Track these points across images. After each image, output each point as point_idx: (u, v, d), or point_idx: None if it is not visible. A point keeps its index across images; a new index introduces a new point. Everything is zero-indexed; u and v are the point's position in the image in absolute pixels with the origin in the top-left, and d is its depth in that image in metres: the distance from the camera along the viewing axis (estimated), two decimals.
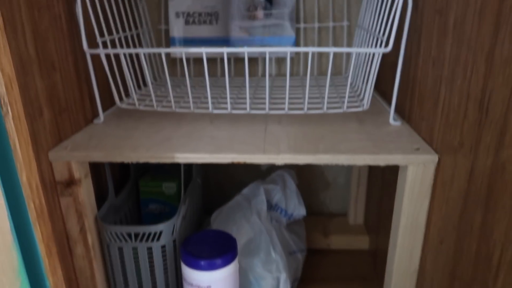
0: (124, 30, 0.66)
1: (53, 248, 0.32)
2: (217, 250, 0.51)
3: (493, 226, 0.34)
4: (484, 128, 0.35)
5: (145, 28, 0.75)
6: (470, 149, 0.38)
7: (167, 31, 0.79)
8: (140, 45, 0.74)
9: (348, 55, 0.79)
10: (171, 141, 0.52)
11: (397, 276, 0.52)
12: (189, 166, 0.71)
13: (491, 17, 0.35)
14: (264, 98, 0.60)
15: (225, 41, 0.77)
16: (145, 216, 0.73)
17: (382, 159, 0.46)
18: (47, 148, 0.48)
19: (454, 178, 0.42)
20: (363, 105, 0.56)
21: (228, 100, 0.55)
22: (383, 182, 0.70)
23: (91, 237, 0.54)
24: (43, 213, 0.29)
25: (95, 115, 0.60)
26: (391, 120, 0.56)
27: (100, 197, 0.59)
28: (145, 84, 0.73)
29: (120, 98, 0.60)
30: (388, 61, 0.62)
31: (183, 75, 0.81)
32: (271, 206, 0.70)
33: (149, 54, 0.75)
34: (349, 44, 0.79)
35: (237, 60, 0.81)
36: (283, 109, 0.56)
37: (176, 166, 0.69)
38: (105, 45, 0.58)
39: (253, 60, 0.81)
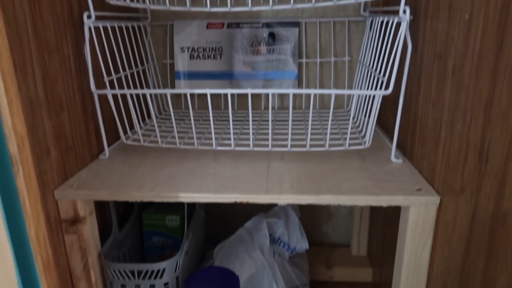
0: (130, 67, 0.67)
1: None
2: None
3: (496, 276, 0.34)
4: (484, 177, 0.36)
5: (150, 63, 0.77)
6: (471, 195, 0.38)
7: (172, 65, 0.80)
8: (146, 80, 0.75)
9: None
10: (174, 179, 0.52)
11: None
12: None
13: (488, 70, 0.35)
14: (267, 134, 0.61)
15: (229, 75, 0.78)
16: (147, 249, 0.73)
17: (384, 200, 0.47)
18: (53, 186, 0.49)
19: (456, 220, 0.42)
20: (364, 142, 0.56)
21: (232, 137, 0.56)
22: (385, 214, 0.70)
23: (94, 274, 0.54)
24: (49, 265, 0.29)
25: (101, 150, 0.61)
26: (392, 158, 0.57)
27: (104, 231, 0.59)
28: (149, 116, 0.74)
29: (125, 132, 0.61)
30: (389, 97, 0.62)
31: (187, 107, 0.82)
32: (274, 240, 0.70)
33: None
34: (351, 77, 0.80)
35: (240, 94, 0.82)
36: (286, 146, 0.56)
37: None
38: (111, 84, 0.60)
39: (256, 94, 0.82)
